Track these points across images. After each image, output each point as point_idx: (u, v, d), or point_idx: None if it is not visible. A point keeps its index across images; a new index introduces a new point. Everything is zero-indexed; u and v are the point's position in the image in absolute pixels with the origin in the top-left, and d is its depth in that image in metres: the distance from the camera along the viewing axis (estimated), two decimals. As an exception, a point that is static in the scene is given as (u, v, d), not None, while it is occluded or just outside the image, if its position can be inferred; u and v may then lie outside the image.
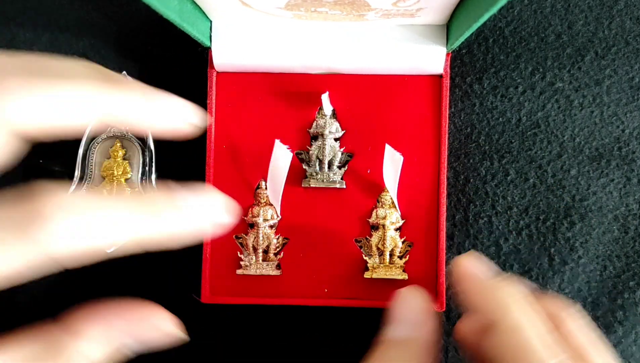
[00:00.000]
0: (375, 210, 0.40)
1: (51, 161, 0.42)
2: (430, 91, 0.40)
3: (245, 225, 0.40)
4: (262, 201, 0.40)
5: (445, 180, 0.40)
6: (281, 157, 0.39)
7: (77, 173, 0.40)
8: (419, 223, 0.40)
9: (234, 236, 0.40)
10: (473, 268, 0.30)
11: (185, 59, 0.42)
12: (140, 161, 0.40)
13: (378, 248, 0.40)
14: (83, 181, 0.40)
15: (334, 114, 0.40)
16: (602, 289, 0.41)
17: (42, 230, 0.25)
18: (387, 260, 0.39)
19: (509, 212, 0.41)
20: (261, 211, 0.40)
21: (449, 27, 0.38)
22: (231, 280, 0.40)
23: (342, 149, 0.40)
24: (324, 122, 0.40)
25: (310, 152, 0.40)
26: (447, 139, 0.40)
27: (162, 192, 0.29)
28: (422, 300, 0.32)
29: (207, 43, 0.38)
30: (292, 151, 0.40)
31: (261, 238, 0.40)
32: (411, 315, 0.31)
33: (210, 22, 0.39)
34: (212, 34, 0.39)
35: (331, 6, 0.35)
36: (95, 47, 0.42)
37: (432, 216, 0.40)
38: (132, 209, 0.27)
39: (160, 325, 0.30)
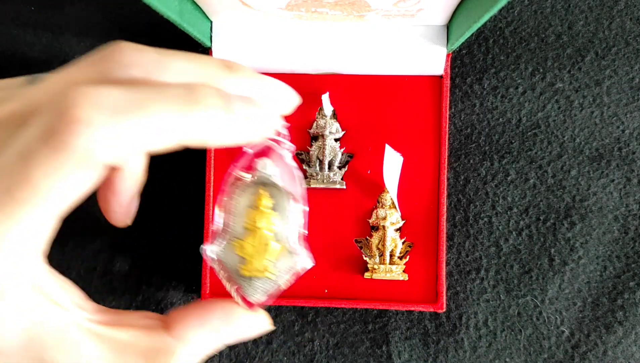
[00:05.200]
0: (375, 211, 0.40)
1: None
2: (430, 92, 0.40)
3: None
4: (262, 201, 0.40)
5: (446, 181, 0.40)
6: None
7: (217, 224, 0.34)
8: (419, 224, 0.40)
9: None
10: None
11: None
12: (289, 212, 0.34)
13: (378, 249, 0.40)
14: (224, 234, 0.34)
15: (334, 115, 0.40)
16: (602, 289, 0.41)
17: (79, 138, 0.23)
18: (387, 261, 0.39)
19: (509, 212, 0.41)
20: None
21: (449, 27, 0.38)
22: None
23: (342, 150, 0.40)
24: (325, 123, 0.40)
25: (311, 152, 0.40)
26: (447, 140, 0.40)
27: (215, 91, 0.28)
28: None
29: (207, 43, 0.38)
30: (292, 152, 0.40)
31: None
32: None
33: (211, 22, 0.39)
34: (213, 35, 0.39)
35: (332, 7, 0.35)
36: (96, 48, 0.42)
37: (433, 217, 0.40)
38: (178, 109, 0.25)
39: (253, 322, 0.33)
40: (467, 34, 0.34)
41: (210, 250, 0.34)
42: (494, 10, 0.29)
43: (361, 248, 0.40)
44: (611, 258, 0.41)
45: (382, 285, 0.40)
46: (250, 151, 0.34)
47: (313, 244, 0.40)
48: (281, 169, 0.34)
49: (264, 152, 0.34)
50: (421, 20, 0.37)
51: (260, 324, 0.34)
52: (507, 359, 0.41)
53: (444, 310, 0.39)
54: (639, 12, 0.42)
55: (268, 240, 0.33)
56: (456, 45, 0.37)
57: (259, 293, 0.34)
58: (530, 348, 0.41)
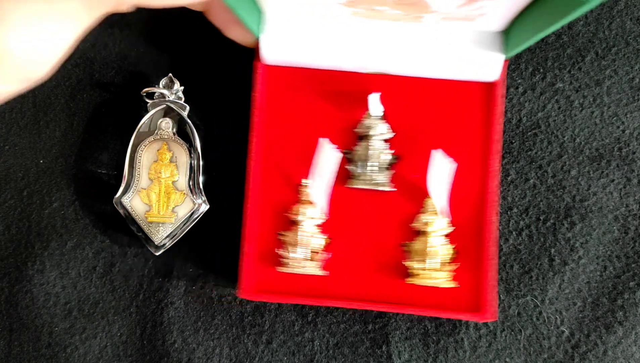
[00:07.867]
0: (420, 215, 0.39)
1: (99, 164, 0.41)
2: (482, 98, 0.39)
3: (289, 222, 0.39)
4: (307, 199, 0.39)
5: (496, 188, 0.39)
6: (330, 157, 0.38)
7: (124, 176, 0.39)
8: (466, 230, 0.39)
9: (277, 233, 0.39)
10: None
11: (234, 49, 0.40)
12: (188, 163, 0.40)
13: (421, 254, 0.38)
14: (130, 184, 0.39)
15: (383, 116, 0.39)
16: (602, 289, 0.41)
17: None
18: (431, 267, 0.38)
19: (509, 212, 0.41)
20: (307, 209, 0.39)
21: (507, 34, 0.37)
22: (270, 277, 0.39)
23: (389, 152, 0.39)
24: (372, 123, 0.39)
25: (357, 152, 0.39)
26: (499, 148, 0.39)
27: None
28: None
29: (257, 34, 0.37)
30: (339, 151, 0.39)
31: (305, 237, 0.38)
32: None
33: (263, 12, 0.37)
34: (264, 25, 0.37)
35: (393, 5, 0.33)
36: (96, 46, 0.42)
37: (480, 224, 0.39)
38: None
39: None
40: (530, 42, 0.33)
41: (123, 200, 0.39)
42: (563, 22, 0.28)
43: (405, 252, 0.39)
44: (611, 258, 0.41)
45: (424, 290, 0.39)
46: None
47: (356, 245, 0.39)
48: (180, 125, 0.40)
49: (165, 112, 0.40)
50: (479, 25, 0.36)
51: None
52: (507, 359, 0.41)
53: (496, 319, 0.39)
54: (639, 12, 0.42)
55: (170, 189, 0.39)
56: (514, 52, 0.36)
57: (163, 237, 0.39)
58: (530, 348, 0.41)
